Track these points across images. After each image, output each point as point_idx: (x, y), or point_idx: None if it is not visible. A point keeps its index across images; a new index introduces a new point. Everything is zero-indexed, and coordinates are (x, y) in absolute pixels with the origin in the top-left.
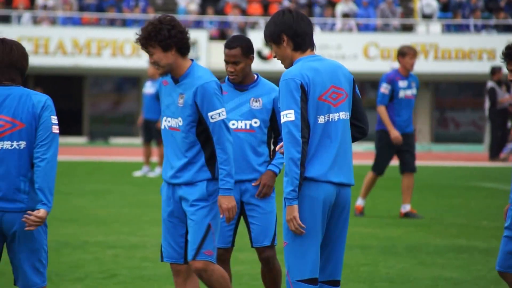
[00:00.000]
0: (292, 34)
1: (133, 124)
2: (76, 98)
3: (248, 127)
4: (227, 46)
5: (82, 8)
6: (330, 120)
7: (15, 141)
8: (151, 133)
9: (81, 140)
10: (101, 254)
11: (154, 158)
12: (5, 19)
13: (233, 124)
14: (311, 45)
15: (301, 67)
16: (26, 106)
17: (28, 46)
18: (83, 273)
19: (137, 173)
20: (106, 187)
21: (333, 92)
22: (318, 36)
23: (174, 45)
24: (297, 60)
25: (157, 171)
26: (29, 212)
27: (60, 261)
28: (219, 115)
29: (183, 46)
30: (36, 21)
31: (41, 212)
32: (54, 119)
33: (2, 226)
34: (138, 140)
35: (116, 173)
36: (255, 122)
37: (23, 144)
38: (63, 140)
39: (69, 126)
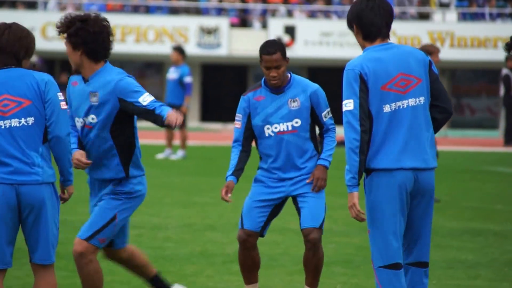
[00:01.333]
0: (359, 24)
1: None
2: None
3: (290, 128)
4: (266, 53)
5: None
6: (397, 108)
7: (23, 118)
8: None
9: None
10: None
11: (177, 141)
12: (31, 5)
13: (276, 128)
14: (380, 34)
15: (363, 58)
16: (30, 83)
17: (53, 32)
18: None
19: (160, 156)
20: None
21: (402, 79)
22: (337, 24)
23: (81, 46)
24: (364, 49)
25: (179, 153)
26: (61, 196)
27: None
28: (149, 96)
29: (90, 51)
30: (61, 7)
31: (70, 189)
32: (60, 96)
33: (20, 199)
34: None
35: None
36: (296, 122)
37: (31, 120)
38: None
39: None
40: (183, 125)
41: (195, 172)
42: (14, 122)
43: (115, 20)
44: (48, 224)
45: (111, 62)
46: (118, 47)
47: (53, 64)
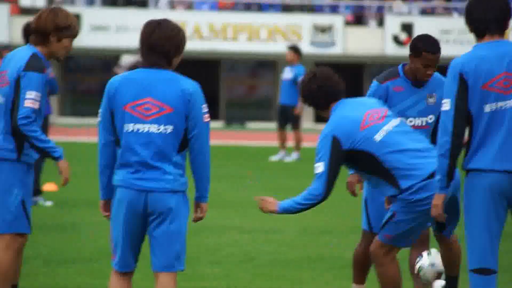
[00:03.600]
0: (469, 19)
1: (269, 108)
2: (212, 82)
3: (424, 123)
4: (431, 51)
5: None
6: (499, 108)
7: (162, 125)
8: (287, 118)
9: (217, 124)
10: (239, 237)
11: (291, 143)
12: (143, 4)
13: (410, 121)
14: (488, 30)
15: (467, 56)
16: (175, 91)
17: None
18: (221, 256)
19: (274, 158)
20: (243, 172)
21: (505, 79)
22: (457, 21)
23: None
24: (473, 46)
25: (294, 155)
26: (196, 216)
27: (199, 244)
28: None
29: None
30: (172, 5)
31: (205, 206)
32: (205, 108)
33: (147, 205)
34: (274, 125)
35: (253, 157)
36: (430, 118)
37: (169, 128)
38: None
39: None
40: (297, 126)
41: (310, 174)
42: (153, 128)
43: (226, 19)
44: (173, 233)
45: (223, 61)
46: (230, 46)
47: None
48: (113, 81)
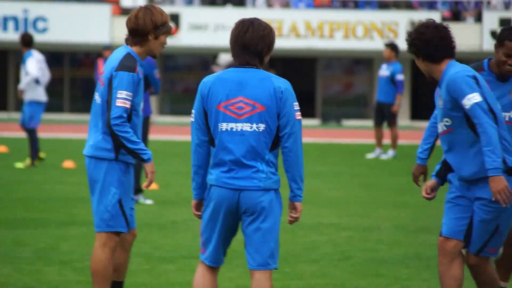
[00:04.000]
0: None
1: (366, 106)
2: (308, 80)
3: (507, 119)
4: None
5: None
6: None
7: (254, 124)
8: (383, 116)
9: (314, 122)
10: (335, 235)
11: (387, 141)
12: (240, 2)
13: None
14: None
15: None
16: (267, 89)
17: None
18: (318, 254)
19: (370, 155)
20: (339, 169)
21: None
22: None
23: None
24: None
25: (390, 153)
26: (291, 216)
27: (296, 242)
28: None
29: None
30: (269, 3)
31: (299, 206)
32: (296, 105)
33: (240, 204)
34: (370, 122)
35: (349, 154)
36: None
37: (262, 126)
38: None
39: (302, 108)
40: (393, 124)
41: (406, 172)
42: (246, 127)
43: (323, 16)
44: (267, 231)
45: (319, 59)
46: (326, 44)
47: None
48: (206, 81)
